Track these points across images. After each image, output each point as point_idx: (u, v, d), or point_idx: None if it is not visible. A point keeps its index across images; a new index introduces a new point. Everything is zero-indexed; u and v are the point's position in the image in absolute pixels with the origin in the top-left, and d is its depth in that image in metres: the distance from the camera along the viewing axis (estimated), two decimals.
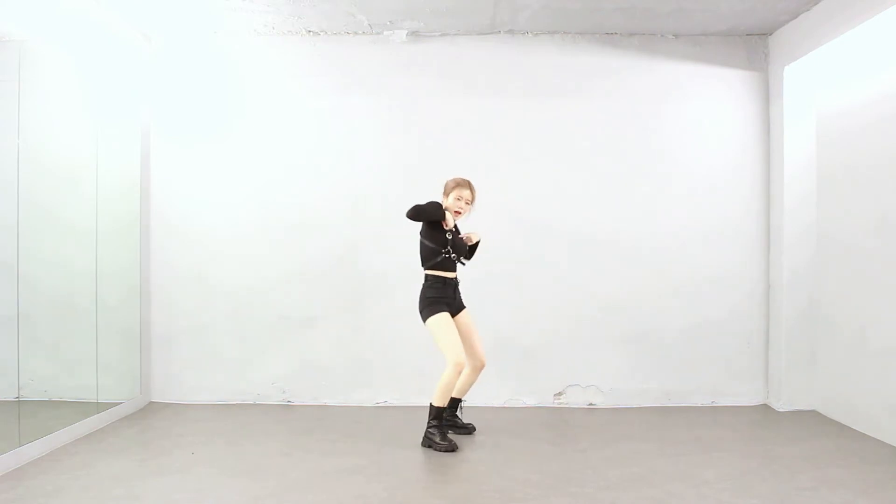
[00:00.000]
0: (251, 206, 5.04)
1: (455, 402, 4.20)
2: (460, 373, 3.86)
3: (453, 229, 3.93)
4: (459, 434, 4.17)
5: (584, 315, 5.01)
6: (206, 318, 5.03)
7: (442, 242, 3.89)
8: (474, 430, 4.23)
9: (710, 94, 5.04)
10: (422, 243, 3.94)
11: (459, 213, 3.95)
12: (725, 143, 5.04)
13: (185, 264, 5.04)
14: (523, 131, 5.02)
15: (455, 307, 4.00)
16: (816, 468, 3.54)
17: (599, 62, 5.03)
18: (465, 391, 4.15)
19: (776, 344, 4.89)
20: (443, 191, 4.03)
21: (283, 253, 5.02)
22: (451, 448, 3.83)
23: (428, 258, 3.92)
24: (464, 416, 4.30)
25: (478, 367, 4.06)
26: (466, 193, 3.95)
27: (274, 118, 5.05)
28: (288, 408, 4.92)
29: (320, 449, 3.89)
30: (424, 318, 3.91)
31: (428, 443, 3.90)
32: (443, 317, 3.86)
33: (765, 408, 4.92)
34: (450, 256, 3.92)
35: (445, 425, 4.04)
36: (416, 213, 3.78)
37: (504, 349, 4.88)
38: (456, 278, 4.00)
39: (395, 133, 5.03)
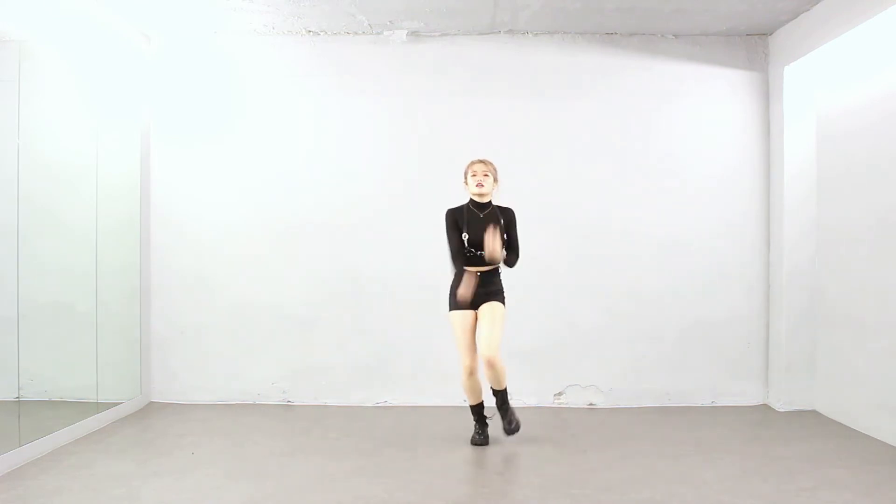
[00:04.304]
0: (251, 206, 5.03)
1: (495, 395, 3.97)
2: (470, 376, 3.84)
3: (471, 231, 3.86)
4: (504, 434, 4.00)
5: (583, 315, 5.01)
6: (206, 318, 5.02)
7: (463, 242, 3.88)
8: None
9: (711, 95, 5.04)
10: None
11: (482, 185, 3.88)
12: (725, 143, 5.04)
13: (184, 264, 5.03)
14: (523, 131, 5.02)
15: (479, 302, 3.86)
16: (816, 468, 3.54)
17: (599, 62, 5.03)
18: (493, 382, 3.91)
19: (776, 344, 4.89)
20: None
21: (282, 253, 5.02)
22: (473, 441, 3.97)
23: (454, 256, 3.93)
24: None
25: (483, 362, 3.81)
26: (477, 167, 3.91)
27: (274, 118, 5.04)
28: (288, 408, 4.92)
29: (320, 449, 3.89)
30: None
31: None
32: (454, 315, 3.89)
33: (765, 408, 4.92)
34: (469, 253, 3.85)
35: (477, 421, 4.02)
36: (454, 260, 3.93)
37: (504, 349, 4.85)
38: (481, 274, 3.86)
39: (395, 133, 5.03)
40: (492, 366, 3.79)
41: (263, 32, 5.01)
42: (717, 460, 3.69)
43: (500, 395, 3.95)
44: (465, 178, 3.99)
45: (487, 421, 4.05)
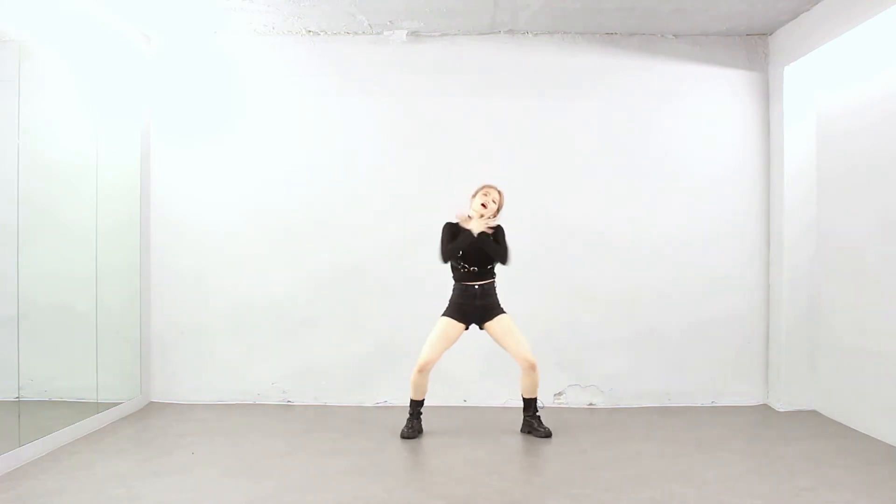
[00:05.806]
0: (251, 206, 5.03)
1: (528, 403, 4.23)
2: (420, 372, 4.07)
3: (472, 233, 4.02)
4: (534, 436, 4.17)
5: (584, 315, 5.01)
6: (206, 319, 5.03)
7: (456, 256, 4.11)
8: (549, 435, 4.16)
9: (711, 94, 5.04)
10: None
11: (484, 206, 4.08)
12: (725, 143, 5.04)
13: (185, 264, 5.03)
14: (523, 131, 5.02)
15: (477, 316, 4.11)
16: (816, 468, 3.54)
17: (599, 62, 5.03)
18: (529, 391, 4.17)
19: (776, 344, 4.89)
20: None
21: (282, 253, 5.02)
22: (403, 434, 4.14)
23: (452, 270, 4.18)
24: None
25: (525, 368, 4.09)
26: (493, 193, 4.12)
27: (274, 118, 5.04)
28: (288, 408, 4.92)
29: (320, 449, 3.89)
30: None
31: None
32: (441, 320, 4.11)
33: (765, 408, 4.92)
34: (463, 269, 4.09)
35: (411, 415, 4.20)
36: (446, 254, 4.08)
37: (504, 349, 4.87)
38: (478, 287, 4.10)
39: (394, 133, 5.03)
40: (534, 368, 4.08)
41: (263, 32, 5.01)
42: (718, 460, 3.69)
43: (534, 403, 4.22)
44: (472, 200, 4.14)
45: (421, 417, 4.25)
